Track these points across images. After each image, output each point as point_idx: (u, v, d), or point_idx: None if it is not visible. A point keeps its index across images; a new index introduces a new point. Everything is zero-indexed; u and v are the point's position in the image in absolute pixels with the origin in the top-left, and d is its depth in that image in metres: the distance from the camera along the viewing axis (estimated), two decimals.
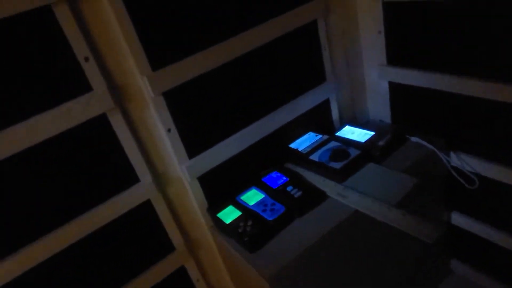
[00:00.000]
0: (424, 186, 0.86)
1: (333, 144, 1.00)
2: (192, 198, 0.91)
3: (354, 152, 0.94)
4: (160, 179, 0.86)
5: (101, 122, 0.74)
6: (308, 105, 1.04)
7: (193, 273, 0.97)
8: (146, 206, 0.85)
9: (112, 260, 0.85)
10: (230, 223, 0.86)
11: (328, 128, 1.11)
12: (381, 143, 0.97)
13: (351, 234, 0.83)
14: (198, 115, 0.86)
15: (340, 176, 0.91)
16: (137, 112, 0.79)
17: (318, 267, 0.81)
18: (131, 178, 0.81)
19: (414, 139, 0.99)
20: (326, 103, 1.08)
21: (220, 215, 0.89)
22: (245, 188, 0.96)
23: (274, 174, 0.97)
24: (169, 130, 0.82)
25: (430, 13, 0.89)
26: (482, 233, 1.04)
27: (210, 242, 0.98)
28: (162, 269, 0.91)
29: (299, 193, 0.88)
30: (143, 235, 0.87)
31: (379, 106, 1.14)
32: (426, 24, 0.91)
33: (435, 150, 0.96)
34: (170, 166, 0.87)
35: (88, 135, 0.74)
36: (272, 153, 1.02)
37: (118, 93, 0.76)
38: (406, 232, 0.73)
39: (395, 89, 1.07)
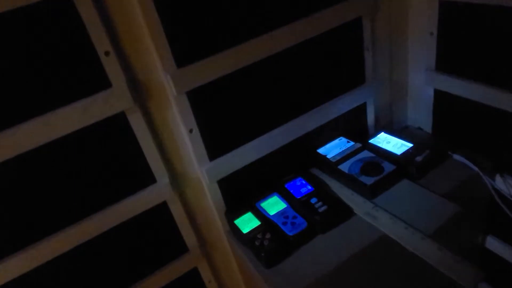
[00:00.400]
0: (465, 214, 0.78)
1: (365, 154, 0.92)
2: (210, 201, 0.86)
3: (388, 167, 0.86)
4: (178, 180, 0.82)
5: (119, 120, 0.70)
6: (344, 108, 0.95)
7: (206, 275, 0.94)
8: (162, 207, 0.81)
9: (124, 259, 0.83)
10: (248, 233, 0.81)
11: (361, 133, 1.03)
12: (419, 158, 0.88)
13: (377, 262, 0.77)
14: (223, 116, 0.80)
15: (370, 193, 0.84)
16: (158, 111, 0.74)
17: None
18: (148, 179, 0.77)
19: (456, 157, 0.90)
20: (363, 106, 0.99)
21: (237, 222, 0.84)
22: (266, 194, 0.90)
23: (298, 181, 0.91)
24: (191, 131, 0.76)
25: (493, 20, 0.77)
26: None
27: (225, 245, 0.94)
28: (174, 270, 0.88)
29: (324, 208, 0.82)
30: (157, 235, 0.84)
31: (420, 114, 1.04)
32: (486, 31, 0.80)
33: (480, 172, 0.86)
34: (189, 167, 0.82)
35: (105, 133, 0.70)
36: (299, 157, 0.96)
37: (139, 91, 0.70)
38: (439, 270, 0.66)
39: (441, 97, 0.97)
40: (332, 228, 0.80)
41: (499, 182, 0.90)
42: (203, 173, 0.81)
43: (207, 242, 0.93)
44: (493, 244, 1.00)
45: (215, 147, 0.81)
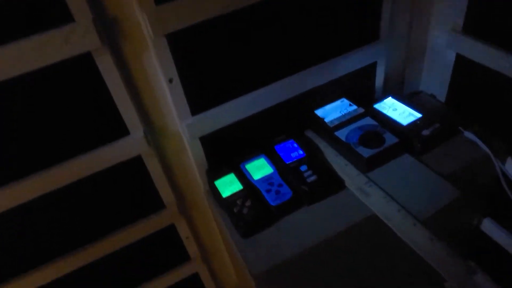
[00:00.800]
0: (465, 199, 0.71)
1: (367, 121, 0.83)
2: (191, 158, 0.79)
3: (390, 139, 0.78)
4: (156, 133, 0.74)
5: (85, 63, 0.60)
6: (351, 67, 0.84)
7: (183, 231, 0.90)
8: (137, 161, 0.74)
9: (95, 211, 0.78)
10: (227, 197, 0.74)
11: (366, 95, 0.93)
12: (426, 132, 0.79)
13: (362, 243, 0.71)
14: (208, 66, 0.69)
15: (366, 166, 0.76)
16: (133, 56, 0.63)
17: (315, 274, 0.71)
18: (120, 130, 0.69)
19: (467, 134, 0.81)
20: (372, 66, 0.88)
21: (218, 183, 0.78)
22: (253, 154, 0.82)
23: (290, 144, 0.83)
24: (170, 81, 0.67)
25: None
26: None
27: (205, 204, 0.88)
28: (149, 225, 0.84)
29: (313, 178, 0.75)
30: (131, 190, 0.78)
31: (436, 79, 0.93)
32: None
33: (490, 154, 0.78)
34: (169, 121, 0.74)
35: (69, 76, 0.60)
36: (294, 117, 0.87)
37: (110, 30, 0.59)
38: (427, 262, 0.61)
39: (462, 64, 0.85)
40: (319, 200, 0.74)
41: (509, 166, 0.81)
42: (183, 128, 0.73)
43: (186, 200, 0.87)
44: (489, 227, 0.94)
45: (199, 100, 0.72)
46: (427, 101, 0.95)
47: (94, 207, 0.77)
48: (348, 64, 0.83)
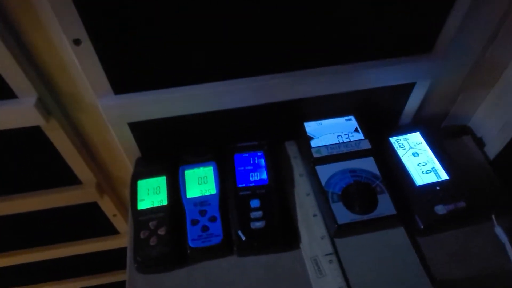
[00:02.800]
0: None
1: (367, 165, 0.58)
2: (117, 142, 0.58)
3: (385, 206, 0.54)
4: (66, 101, 0.53)
5: None
6: (375, 82, 0.57)
7: (108, 209, 0.74)
8: (36, 131, 0.54)
9: None
10: (141, 211, 0.55)
11: (386, 119, 0.66)
12: (441, 210, 0.54)
13: None
14: (143, 25, 0.45)
15: (337, 233, 0.54)
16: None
17: None
18: (4, 93, 0.48)
19: (498, 230, 0.55)
20: (406, 88, 0.60)
21: (141, 184, 0.58)
22: (202, 157, 0.61)
23: (256, 158, 0.61)
24: (76, 43, 0.43)
25: None
26: None
27: None
28: (63, 196, 0.67)
29: (260, 224, 0.53)
30: (34, 158, 0.60)
31: (497, 119, 0.64)
32: None
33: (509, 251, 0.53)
34: (84, 91, 0.52)
35: None
36: (275, 121, 0.63)
37: None
38: None
39: None
40: (258, 254, 0.54)
41: None
42: (101, 109, 0.51)
43: (113, 178, 0.69)
44: None
45: (128, 76, 0.49)
46: (467, 152, 0.67)
47: None
48: (374, 76, 0.56)
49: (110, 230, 0.82)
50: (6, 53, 0.43)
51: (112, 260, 0.93)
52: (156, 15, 0.43)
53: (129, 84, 0.50)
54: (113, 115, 0.52)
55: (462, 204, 0.55)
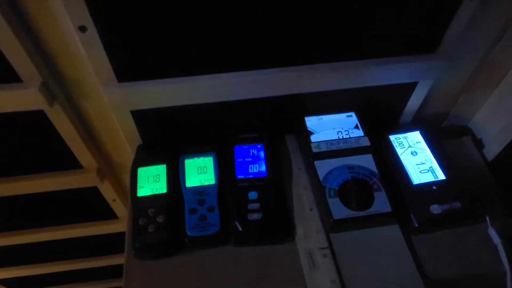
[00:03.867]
0: None
1: (365, 161, 0.58)
2: (119, 128, 0.59)
3: (381, 204, 0.54)
4: (71, 89, 0.53)
5: None
6: (378, 80, 0.57)
7: (108, 194, 0.75)
8: (39, 114, 0.55)
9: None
10: (141, 198, 0.56)
11: (386, 117, 0.67)
12: (436, 209, 0.55)
13: None
14: (148, 14, 0.45)
15: (332, 227, 0.54)
16: None
17: None
18: (8, 77, 0.48)
19: (491, 232, 0.56)
20: (408, 87, 0.60)
21: (141, 172, 0.59)
22: (202, 148, 0.61)
23: (256, 150, 0.61)
24: (82, 29, 0.43)
25: None
26: None
27: None
28: (61, 181, 0.68)
29: (256, 216, 0.54)
30: (36, 141, 0.61)
31: (497, 122, 0.65)
32: None
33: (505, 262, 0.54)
34: (88, 77, 0.52)
35: None
36: (275, 114, 0.63)
37: None
38: None
39: None
40: (253, 245, 0.55)
41: None
42: (105, 96, 0.51)
43: (114, 163, 0.70)
44: None
45: (132, 64, 0.49)
46: (466, 153, 0.68)
47: None
48: (376, 75, 0.56)
49: (109, 215, 0.83)
50: (12, 37, 0.43)
51: (110, 244, 0.95)
52: (162, 4, 0.43)
53: (133, 72, 0.50)
54: (116, 102, 0.53)
55: (457, 204, 0.55)
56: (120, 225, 0.87)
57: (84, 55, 0.46)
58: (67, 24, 0.44)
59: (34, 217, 0.82)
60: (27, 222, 0.83)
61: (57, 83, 0.52)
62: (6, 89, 0.49)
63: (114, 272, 1.12)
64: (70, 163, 0.65)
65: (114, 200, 0.77)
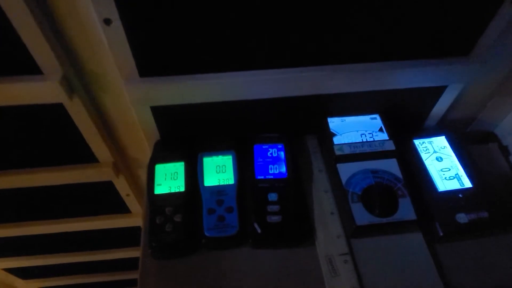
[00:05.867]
0: None
1: (390, 166, 0.56)
2: (137, 123, 0.58)
3: (406, 211, 0.53)
4: (92, 83, 0.52)
5: None
6: (406, 83, 0.55)
7: (122, 189, 0.74)
8: (58, 107, 0.53)
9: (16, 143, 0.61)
10: (158, 196, 0.55)
11: (412, 121, 0.65)
12: (463, 218, 0.53)
13: None
14: (175, 9, 0.43)
15: (353, 233, 0.53)
16: None
17: None
18: (29, 68, 0.47)
19: None
20: (436, 91, 0.58)
21: (159, 168, 0.58)
22: (221, 146, 0.60)
23: (276, 150, 0.60)
24: (107, 22, 0.42)
25: None
26: None
27: None
28: (80, 173, 0.67)
29: (277, 218, 0.53)
30: (54, 134, 0.60)
31: None
32: None
33: None
34: (110, 71, 0.51)
35: None
36: (296, 114, 0.61)
37: None
38: None
39: None
40: (269, 248, 0.54)
41: None
42: (125, 90, 0.50)
43: (129, 159, 0.69)
44: None
45: (153, 59, 0.48)
46: (492, 159, 0.66)
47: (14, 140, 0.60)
48: (406, 77, 0.54)
49: (122, 209, 0.82)
50: (35, 27, 0.42)
51: (122, 238, 0.94)
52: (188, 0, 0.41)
53: (156, 68, 0.49)
54: (136, 97, 0.52)
55: (484, 214, 0.53)
56: (133, 220, 0.86)
57: (107, 48, 0.45)
58: (91, 17, 0.43)
59: (49, 209, 0.81)
60: (42, 213, 0.83)
61: (77, 76, 0.50)
62: (26, 81, 0.48)
63: (126, 265, 1.12)
64: (87, 157, 0.64)
65: (128, 195, 0.76)
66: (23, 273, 1.14)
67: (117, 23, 0.42)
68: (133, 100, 0.52)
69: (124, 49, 0.45)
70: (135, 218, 0.85)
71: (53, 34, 0.44)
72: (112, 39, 0.44)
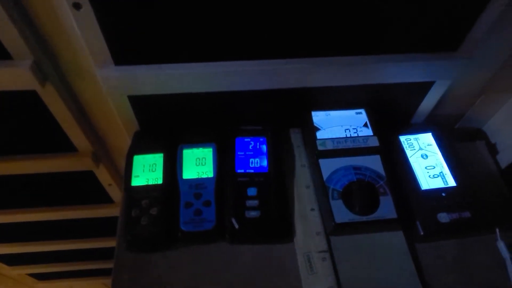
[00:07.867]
0: None
1: (373, 163, 0.55)
2: (115, 113, 0.56)
3: (386, 209, 0.52)
4: (65, 66, 0.50)
5: None
6: (393, 77, 0.53)
7: (104, 179, 0.73)
8: (31, 95, 0.52)
9: None
10: (135, 188, 0.54)
11: (398, 116, 0.63)
12: (444, 218, 0.52)
13: None
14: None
15: (333, 230, 0.52)
16: None
17: None
18: None
19: (501, 245, 0.53)
20: (424, 86, 0.56)
21: (137, 160, 0.56)
22: (202, 138, 0.58)
23: (258, 143, 0.58)
24: (76, 6, 0.40)
25: None
26: None
27: None
28: (55, 163, 0.66)
29: (255, 214, 0.52)
30: (29, 124, 0.58)
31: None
32: None
33: None
34: (83, 58, 0.49)
35: None
36: (280, 109, 0.60)
37: None
38: None
39: None
40: (246, 243, 0.53)
41: None
42: (100, 79, 0.48)
43: (111, 147, 0.67)
44: None
45: (130, 46, 0.46)
46: (479, 157, 0.64)
47: None
48: (393, 71, 0.52)
49: (105, 198, 0.81)
50: (1, 11, 0.40)
51: (106, 227, 0.93)
52: None
53: (131, 55, 0.47)
54: (112, 86, 0.50)
55: (466, 214, 0.52)
56: (116, 210, 0.85)
57: (79, 35, 0.43)
58: (62, 1, 0.40)
59: (32, 197, 0.80)
60: (25, 201, 0.81)
61: (51, 63, 0.48)
62: None
63: (111, 254, 1.11)
64: (65, 146, 0.63)
65: (110, 185, 0.75)
66: (9, 259, 1.14)
67: (87, 8, 0.40)
68: (109, 89, 0.50)
69: (97, 35, 0.43)
70: (118, 208, 0.84)
71: (21, 18, 0.42)
72: (83, 25, 0.42)
